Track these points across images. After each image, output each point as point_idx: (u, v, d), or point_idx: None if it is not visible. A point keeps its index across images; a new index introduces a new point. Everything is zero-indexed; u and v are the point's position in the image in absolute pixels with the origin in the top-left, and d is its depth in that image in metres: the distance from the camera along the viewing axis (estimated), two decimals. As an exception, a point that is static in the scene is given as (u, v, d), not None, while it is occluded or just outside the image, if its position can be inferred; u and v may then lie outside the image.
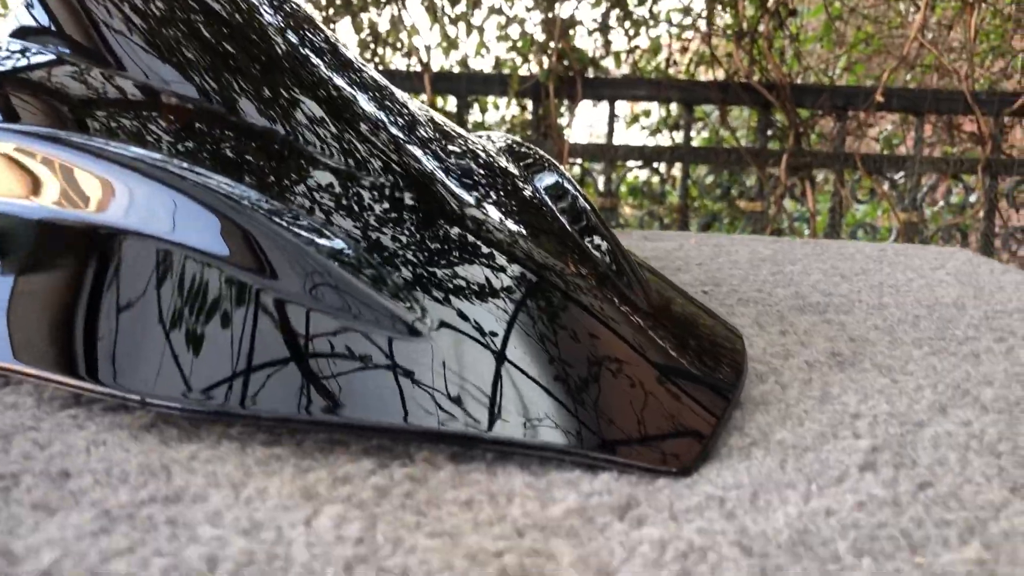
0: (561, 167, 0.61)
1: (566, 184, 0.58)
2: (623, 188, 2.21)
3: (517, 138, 0.65)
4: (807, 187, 2.09)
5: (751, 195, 2.12)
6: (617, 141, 2.07)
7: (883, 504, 0.32)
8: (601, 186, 2.10)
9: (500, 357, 0.38)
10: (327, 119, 0.48)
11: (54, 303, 0.41)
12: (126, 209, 0.42)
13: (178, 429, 0.36)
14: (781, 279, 0.72)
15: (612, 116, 2.06)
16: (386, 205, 0.44)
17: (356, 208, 0.43)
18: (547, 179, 0.58)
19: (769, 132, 2.10)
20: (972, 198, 2.15)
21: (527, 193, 0.54)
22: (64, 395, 0.39)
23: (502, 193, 0.51)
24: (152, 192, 0.42)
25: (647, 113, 2.30)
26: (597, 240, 0.53)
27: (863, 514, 0.32)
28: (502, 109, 2.17)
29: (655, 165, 2.13)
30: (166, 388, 0.36)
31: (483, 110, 2.21)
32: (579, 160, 2.09)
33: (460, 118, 2.08)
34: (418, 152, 0.49)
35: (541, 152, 0.63)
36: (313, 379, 0.36)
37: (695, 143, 2.12)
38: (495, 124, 2.20)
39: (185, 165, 0.43)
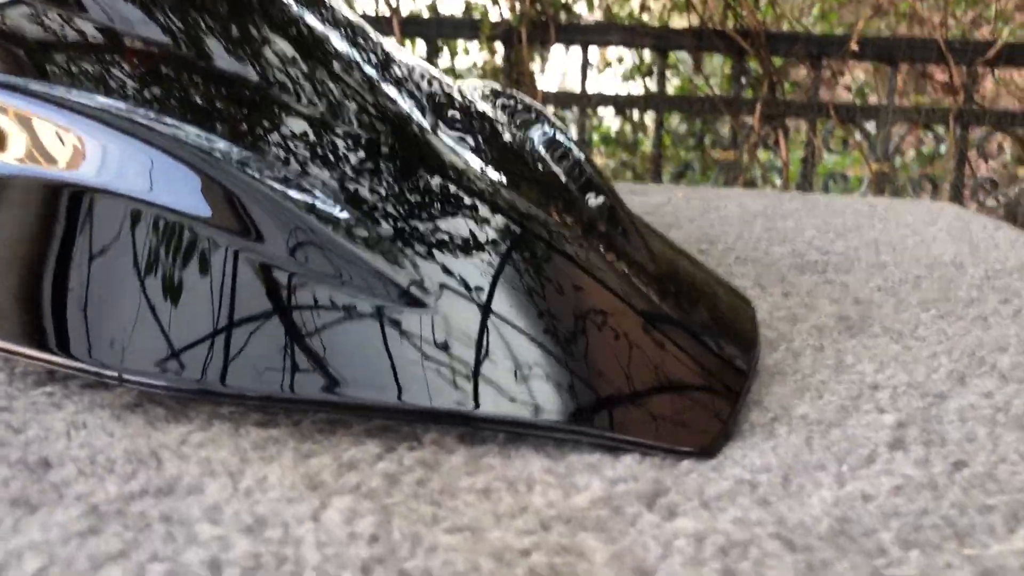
0: (552, 116, 0.58)
1: (557, 135, 0.55)
2: (595, 137, 2.18)
3: (496, 85, 0.62)
4: (780, 136, 2.07)
5: (724, 144, 2.10)
6: (589, 89, 2.03)
7: (920, 487, 0.31)
8: (574, 134, 2.06)
9: (505, 329, 0.35)
10: (299, 58, 0.45)
11: (17, 269, 0.38)
12: (93, 165, 0.39)
13: (165, 408, 0.34)
14: (776, 236, 0.70)
15: (585, 63, 2.02)
16: (364, 155, 0.41)
17: (335, 160, 0.40)
18: (537, 130, 0.56)
19: (742, 80, 2.07)
20: (942, 148, 2.15)
21: (507, 138, 0.51)
22: (38, 370, 0.36)
23: (480, 137, 0.48)
24: (123, 146, 0.39)
25: (620, 59, 2.27)
26: (594, 194, 0.51)
27: (902, 499, 0.30)
28: (473, 54, 2.12)
29: (628, 113, 2.10)
30: (145, 363, 0.33)
31: (453, 55, 2.16)
32: (551, 108, 2.05)
33: (429, 63, 2.02)
34: (393, 92, 0.46)
35: (528, 100, 0.60)
36: (305, 354, 0.34)
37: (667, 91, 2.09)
38: (465, 70, 2.15)
39: (152, 115, 0.39)
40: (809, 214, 0.80)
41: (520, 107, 0.58)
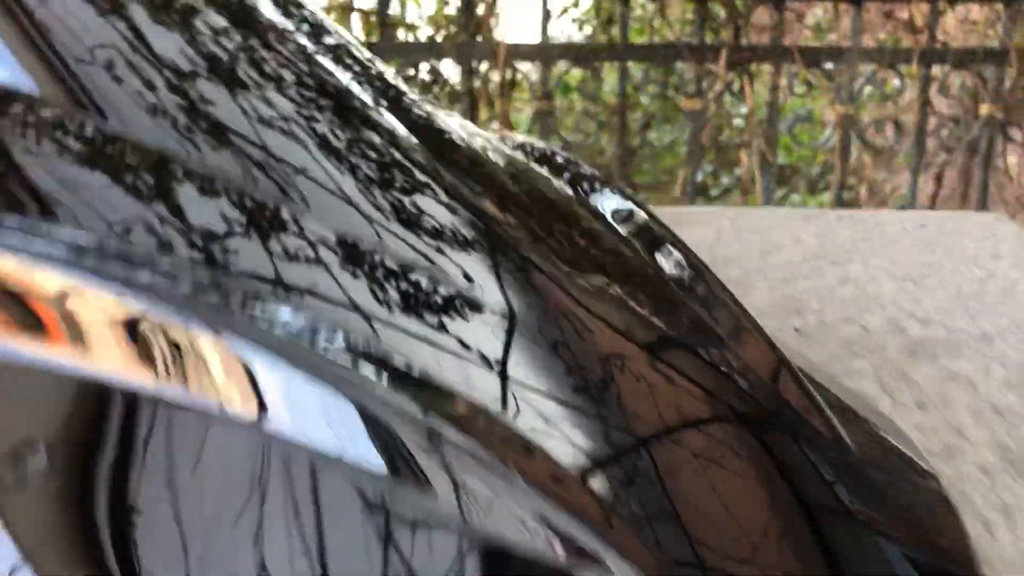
0: (609, 181, 0.53)
1: (617, 197, 0.50)
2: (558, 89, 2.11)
3: (534, 141, 0.56)
4: (746, 83, 2.03)
5: (688, 91, 2.04)
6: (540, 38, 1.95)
7: None
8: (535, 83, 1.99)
9: None
10: (231, 29, 0.39)
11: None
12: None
13: None
14: (858, 295, 0.66)
15: (546, 13, 1.93)
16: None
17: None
18: (601, 196, 0.50)
19: (705, 26, 2.01)
20: (902, 86, 2.13)
21: (448, 130, 0.46)
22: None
23: (419, 120, 0.44)
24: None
25: (576, 3, 2.18)
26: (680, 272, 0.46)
27: None
28: (426, 6, 2.02)
29: (589, 62, 2.03)
30: None
31: (403, 5, 2.05)
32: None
33: (381, 14, 1.92)
34: (329, 64, 0.42)
35: (567, 155, 0.55)
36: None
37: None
38: (418, 20, 2.04)
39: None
40: (867, 247, 0.76)
41: (577, 169, 0.53)
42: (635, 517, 0.29)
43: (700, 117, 2.02)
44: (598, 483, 0.30)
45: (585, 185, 0.52)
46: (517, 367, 0.32)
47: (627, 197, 0.51)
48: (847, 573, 0.32)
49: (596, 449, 0.31)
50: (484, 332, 0.33)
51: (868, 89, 2.24)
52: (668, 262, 0.48)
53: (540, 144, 0.56)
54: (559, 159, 0.54)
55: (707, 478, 0.32)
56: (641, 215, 0.50)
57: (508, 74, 1.96)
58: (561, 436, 0.30)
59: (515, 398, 0.31)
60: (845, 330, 0.60)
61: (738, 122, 2.22)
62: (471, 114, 2.00)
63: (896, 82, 2.14)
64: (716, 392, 0.36)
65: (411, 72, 1.97)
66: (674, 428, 0.33)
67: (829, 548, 0.33)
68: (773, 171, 2.06)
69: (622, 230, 0.49)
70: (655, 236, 0.49)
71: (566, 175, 0.53)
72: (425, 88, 2.05)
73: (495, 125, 2.04)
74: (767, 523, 0.32)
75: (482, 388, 0.31)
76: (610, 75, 2.15)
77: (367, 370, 0.30)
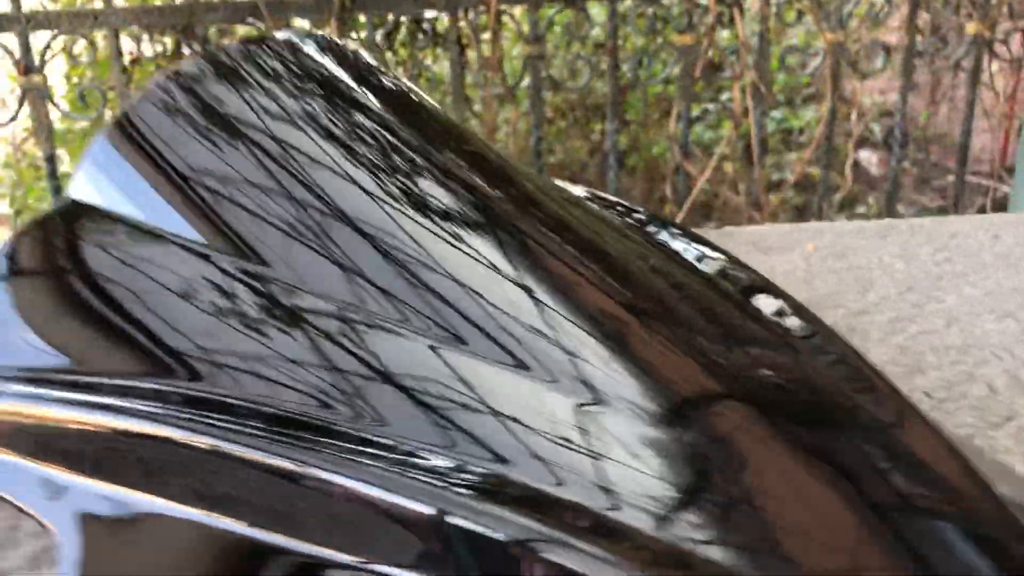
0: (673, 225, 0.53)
1: (685, 240, 0.50)
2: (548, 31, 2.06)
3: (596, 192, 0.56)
4: (736, 13, 2.00)
5: (680, 27, 2.01)
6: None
7: None
8: (525, 30, 1.94)
9: None
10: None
11: None
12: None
13: None
14: (967, 340, 0.67)
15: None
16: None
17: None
18: (678, 242, 0.50)
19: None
20: (890, 8, 2.12)
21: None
22: None
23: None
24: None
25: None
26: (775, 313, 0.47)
27: None
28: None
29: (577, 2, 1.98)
30: None
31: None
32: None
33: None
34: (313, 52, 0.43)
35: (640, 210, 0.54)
36: None
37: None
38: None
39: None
40: (952, 269, 0.77)
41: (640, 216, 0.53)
42: (736, 547, 0.30)
43: (692, 51, 1.99)
44: (696, 519, 0.30)
45: (645, 226, 0.51)
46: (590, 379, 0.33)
47: (693, 237, 0.51)
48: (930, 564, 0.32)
49: (685, 479, 0.31)
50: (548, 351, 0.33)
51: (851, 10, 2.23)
52: (772, 312, 0.48)
53: (581, 190, 0.56)
54: (608, 199, 0.54)
55: (786, 491, 0.33)
56: (719, 258, 0.50)
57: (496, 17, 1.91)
58: (649, 469, 0.31)
59: (592, 429, 0.32)
60: (972, 392, 0.61)
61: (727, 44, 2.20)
62: (459, 61, 1.95)
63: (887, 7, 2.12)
64: (765, 397, 0.37)
65: (402, 20, 1.91)
66: (738, 440, 0.34)
67: (906, 542, 0.34)
68: (764, 102, 2.05)
69: (706, 269, 0.48)
70: (750, 285, 0.49)
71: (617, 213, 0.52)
72: (411, 35, 2.00)
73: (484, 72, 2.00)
74: (855, 530, 0.33)
75: (561, 417, 0.32)
76: (594, 8, 2.10)
77: (467, 490, 0.31)
